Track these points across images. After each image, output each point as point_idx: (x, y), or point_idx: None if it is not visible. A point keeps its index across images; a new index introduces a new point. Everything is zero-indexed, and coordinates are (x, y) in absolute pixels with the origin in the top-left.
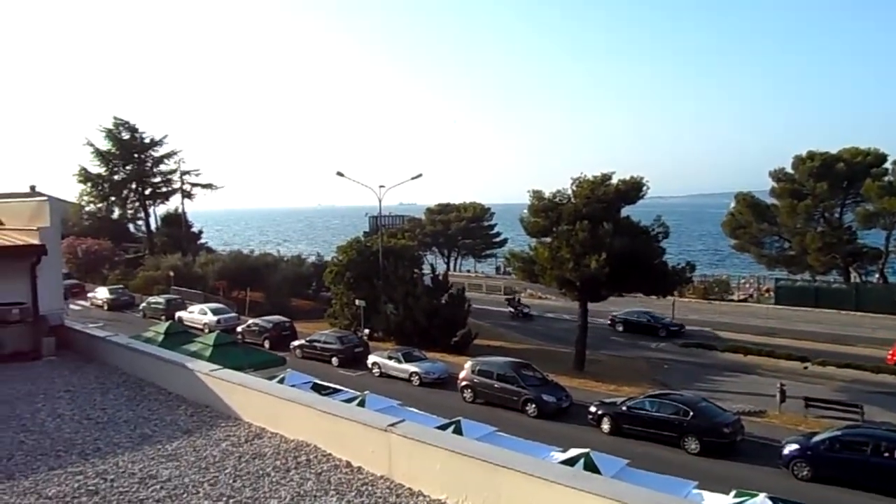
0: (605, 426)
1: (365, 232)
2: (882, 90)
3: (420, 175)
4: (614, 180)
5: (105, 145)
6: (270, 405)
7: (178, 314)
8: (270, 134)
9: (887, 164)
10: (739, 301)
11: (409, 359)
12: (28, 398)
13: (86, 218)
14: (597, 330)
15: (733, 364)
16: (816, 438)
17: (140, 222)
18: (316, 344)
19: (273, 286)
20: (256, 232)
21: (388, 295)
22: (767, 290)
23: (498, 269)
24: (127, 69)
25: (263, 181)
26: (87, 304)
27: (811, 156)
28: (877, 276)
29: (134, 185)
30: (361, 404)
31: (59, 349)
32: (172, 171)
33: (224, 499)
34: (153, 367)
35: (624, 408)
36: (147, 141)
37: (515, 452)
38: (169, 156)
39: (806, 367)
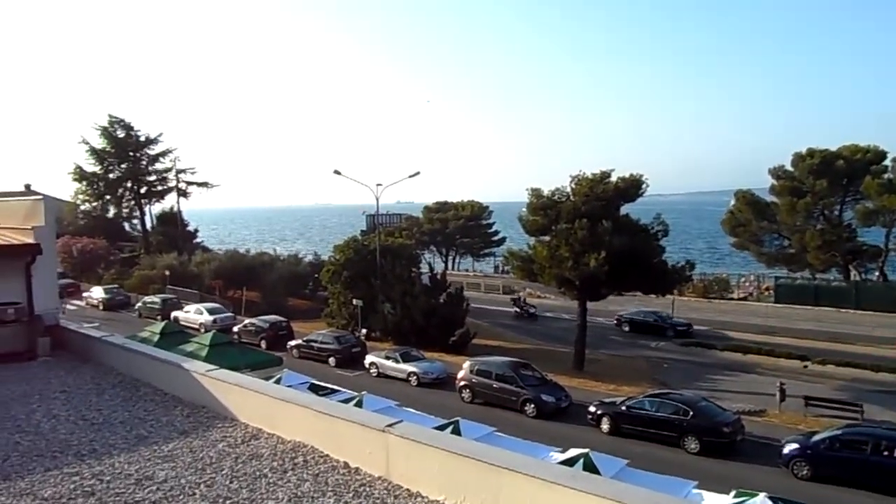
0: (605, 426)
1: (362, 230)
2: (881, 88)
3: (418, 173)
4: (613, 178)
5: (100, 143)
6: (267, 406)
7: (173, 314)
8: (267, 132)
9: (887, 162)
10: (739, 300)
11: (406, 359)
12: (23, 399)
13: (81, 217)
14: (596, 329)
15: (733, 363)
16: (816, 437)
17: (135, 221)
18: (313, 344)
19: (269, 285)
20: (253, 231)
21: (386, 294)
22: (767, 289)
23: (496, 267)
24: (123, 66)
25: (260, 179)
26: (82, 303)
27: (811, 153)
28: (877, 273)
29: (129, 184)
30: (359, 405)
31: (54, 349)
32: (168, 170)
33: (221, 500)
34: (149, 368)
35: (623, 407)
36: (142, 139)
37: (514, 453)
38: (164, 154)
39: (806, 366)
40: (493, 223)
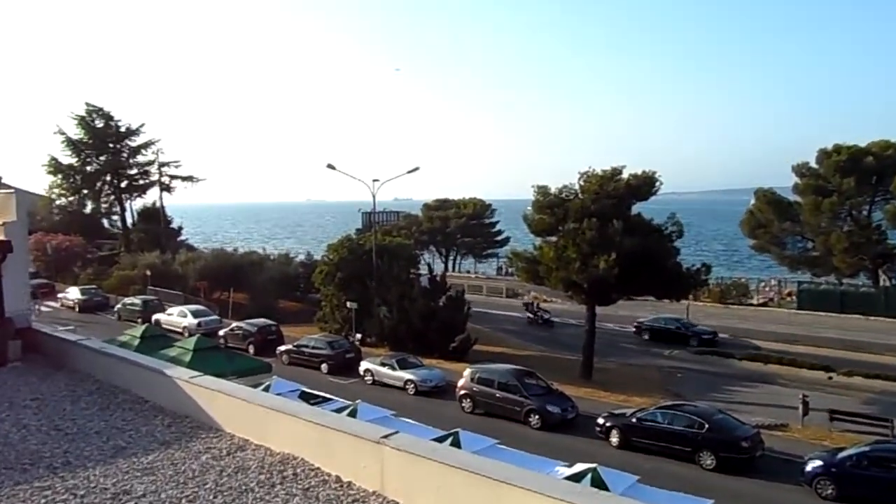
0: (614, 439)
1: (357, 229)
2: None
3: (417, 168)
4: (625, 175)
5: (77, 134)
6: (255, 415)
7: (155, 316)
8: (258, 125)
9: None
10: (759, 305)
11: (403, 366)
12: None
13: (56, 212)
14: (605, 336)
15: (752, 373)
16: (842, 454)
17: (115, 217)
18: (304, 349)
19: (258, 287)
20: (241, 228)
21: (382, 297)
22: (789, 294)
23: (499, 269)
24: (105, 53)
25: (249, 174)
26: (57, 305)
27: (837, 149)
28: None
29: (108, 177)
30: (352, 414)
31: (25, 354)
32: (150, 163)
33: None
34: (128, 374)
35: (634, 420)
36: (123, 130)
37: (517, 467)
38: (147, 146)
39: (830, 378)
40: (497, 222)
